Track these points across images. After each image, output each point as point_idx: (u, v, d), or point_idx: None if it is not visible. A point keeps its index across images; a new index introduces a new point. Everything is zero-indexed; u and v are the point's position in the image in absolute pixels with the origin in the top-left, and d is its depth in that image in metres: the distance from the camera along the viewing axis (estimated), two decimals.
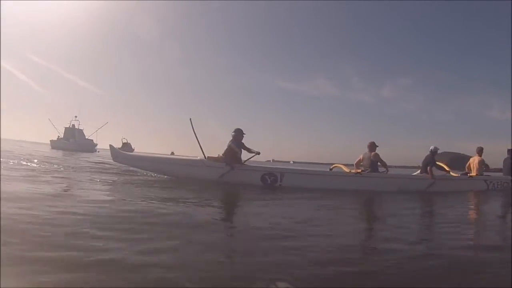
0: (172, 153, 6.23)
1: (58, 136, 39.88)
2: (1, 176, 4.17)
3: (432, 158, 7.07)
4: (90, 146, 37.81)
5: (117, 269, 1.49)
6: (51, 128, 41.74)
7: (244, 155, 5.99)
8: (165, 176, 6.09)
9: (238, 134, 5.94)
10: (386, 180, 6.52)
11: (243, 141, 6.02)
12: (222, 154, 5.87)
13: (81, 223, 2.24)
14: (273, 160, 54.31)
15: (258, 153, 5.89)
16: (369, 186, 6.25)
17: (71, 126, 40.33)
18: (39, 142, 48.96)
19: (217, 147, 6.15)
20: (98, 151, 38.57)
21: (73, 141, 37.52)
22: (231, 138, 5.96)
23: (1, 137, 21.63)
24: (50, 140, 39.30)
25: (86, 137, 40.51)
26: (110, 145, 6.31)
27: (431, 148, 7.18)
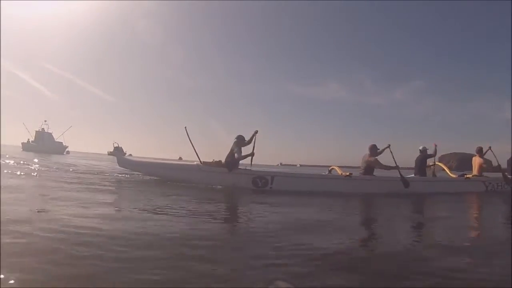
0: (180, 158, 6.18)
1: (28, 139, 41.37)
2: None
3: (424, 158, 6.99)
4: (59, 149, 39.95)
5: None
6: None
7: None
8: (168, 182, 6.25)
9: (240, 140, 6.15)
10: (375, 183, 6.40)
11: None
12: (224, 161, 6.06)
13: None
14: (281, 164, 56.02)
15: (253, 155, 6.09)
16: (358, 189, 6.13)
17: (41, 130, 42.04)
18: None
19: (223, 151, 6.27)
20: (69, 153, 41.11)
21: (42, 143, 38.99)
22: (234, 144, 6.08)
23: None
24: (22, 143, 40.58)
25: (55, 140, 42.72)
26: (116, 152, 6.73)
27: (420, 148, 7.09)
